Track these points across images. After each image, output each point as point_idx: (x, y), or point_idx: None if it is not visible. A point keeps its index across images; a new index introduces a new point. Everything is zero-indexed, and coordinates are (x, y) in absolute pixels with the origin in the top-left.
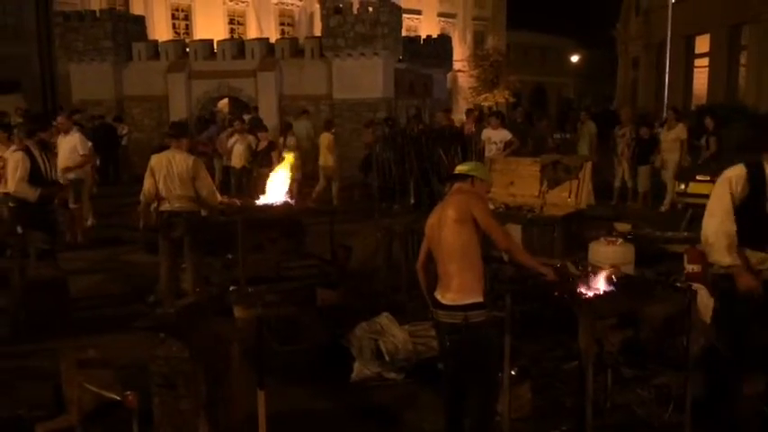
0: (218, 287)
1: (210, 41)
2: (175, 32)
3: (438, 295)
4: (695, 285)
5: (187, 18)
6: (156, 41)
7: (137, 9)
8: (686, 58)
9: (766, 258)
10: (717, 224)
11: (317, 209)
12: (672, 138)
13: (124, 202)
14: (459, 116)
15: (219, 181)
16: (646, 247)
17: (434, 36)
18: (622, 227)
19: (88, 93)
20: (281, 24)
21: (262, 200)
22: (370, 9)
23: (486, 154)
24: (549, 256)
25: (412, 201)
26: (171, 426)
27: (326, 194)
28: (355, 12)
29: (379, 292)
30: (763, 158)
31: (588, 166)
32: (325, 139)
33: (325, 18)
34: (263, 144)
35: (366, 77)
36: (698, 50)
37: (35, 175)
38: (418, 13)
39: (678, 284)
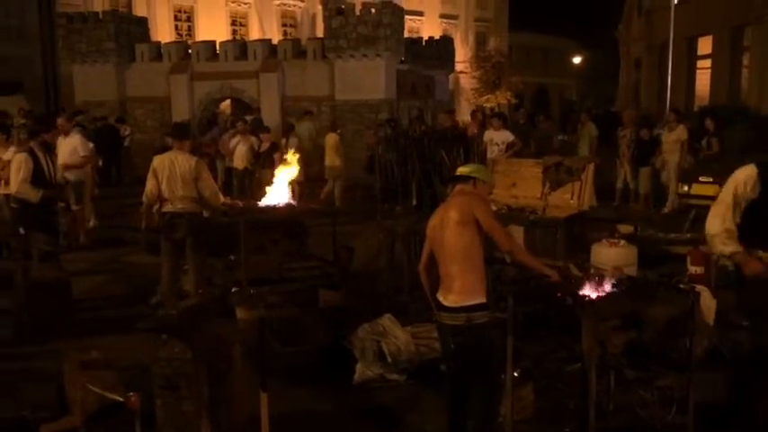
0: (221, 288)
1: (213, 43)
2: (178, 34)
3: (440, 297)
4: (698, 287)
5: (189, 19)
6: (158, 43)
7: (139, 11)
8: (689, 59)
9: None
10: (719, 222)
11: (320, 210)
12: (673, 139)
13: (126, 204)
14: (462, 117)
15: (222, 182)
16: (648, 248)
17: (436, 37)
18: (625, 229)
19: (91, 94)
20: (284, 25)
21: (264, 201)
22: (373, 10)
23: (489, 155)
24: (552, 257)
25: (414, 202)
26: (173, 427)
27: (342, 195)
28: (357, 13)
29: (382, 293)
30: None
31: (591, 167)
32: (331, 139)
33: (327, 19)
34: (265, 145)
35: (368, 79)
36: (700, 52)
37: (38, 177)
38: (420, 14)
39: (681, 286)
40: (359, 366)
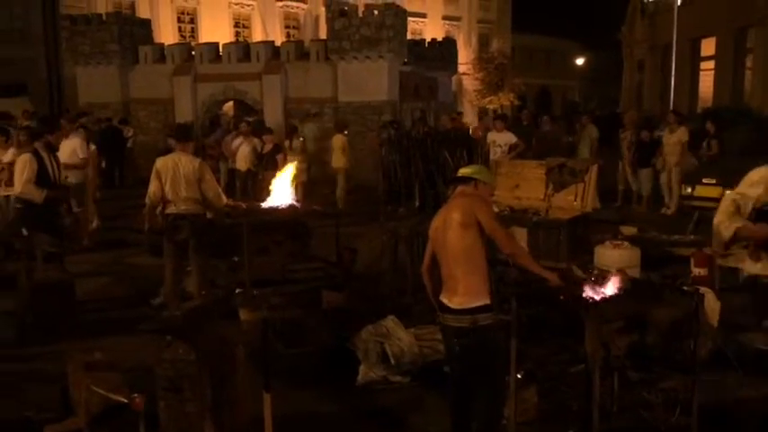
0: (224, 290)
1: (216, 44)
2: (181, 36)
3: (444, 299)
4: (702, 289)
5: (193, 21)
6: (162, 45)
7: (143, 12)
8: (692, 60)
9: None
10: (724, 216)
11: (323, 211)
12: (674, 141)
13: (129, 205)
14: (465, 119)
15: (225, 184)
16: (652, 250)
17: (439, 39)
18: (628, 230)
19: (94, 96)
20: (287, 27)
21: (267, 202)
22: (376, 12)
23: (492, 157)
24: (555, 259)
25: (417, 203)
26: (177, 428)
27: (345, 196)
28: (360, 15)
29: (385, 294)
30: None
31: (594, 169)
32: (338, 140)
33: (330, 21)
34: (268, 147)
35: (371, 80)
36: (704, 53)
37: (42, 177)
38: (423, 16)
39: (685, 288)
40: (362, 368)
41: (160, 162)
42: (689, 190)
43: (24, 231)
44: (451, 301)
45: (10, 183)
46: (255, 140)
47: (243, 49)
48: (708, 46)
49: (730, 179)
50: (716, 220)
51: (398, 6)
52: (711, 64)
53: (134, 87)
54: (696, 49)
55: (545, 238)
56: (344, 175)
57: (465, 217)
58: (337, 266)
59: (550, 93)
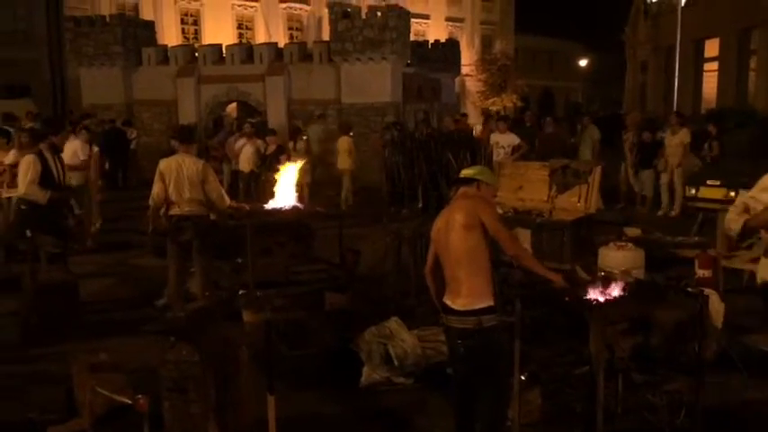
0: (227, 291)
1: (219, 46)
2: (185, 37)
3: (448, 301)
4: (706, 290)
5: (196, 23)
6: (165, 46)
7: (146, 14)
8: (695, 61)
9: None
10: (734, 214)
11: (326, 213)
12: (676, 143)
13: (133, 206)
14: (469, 121)
15: (228, 185)
16: (656, 251)
17: (442, 40)
18: (632, 232)
19: (98, 97)
20: (290, 29)
21: (270, 204)
22: (379, 14)
23: (495, 158)
24: (559, 260)
25: (420, 205)
26: (181, 429)
27: (351, 198)
28: (363, 16)
29: (388, 296)
30: None
31: (598, 170)
32: (345, 142)
33: (333, 23)
34: (271, 148)
35: (374, 82)
36: (707, 54)
37: (46, 179)
38: (426, 17)
39: (689, 289)
40: (365, 369)
41: (164, 164)
42: (693, 191)
43: (28, 232)
44: (455, 302)
45: (11, 184)
46: (259, 142)
47: (246, 50)
48: (711, 47)
49: (735, 180)
50: (726, 219)
51: (401, 8)
52: (715, 65)
53: (137, 89)
54: (700, 50)
55: (549, 240)
56: (350, 176)
57: (468, 218)
58: (340, 268)
59: (553, 94)
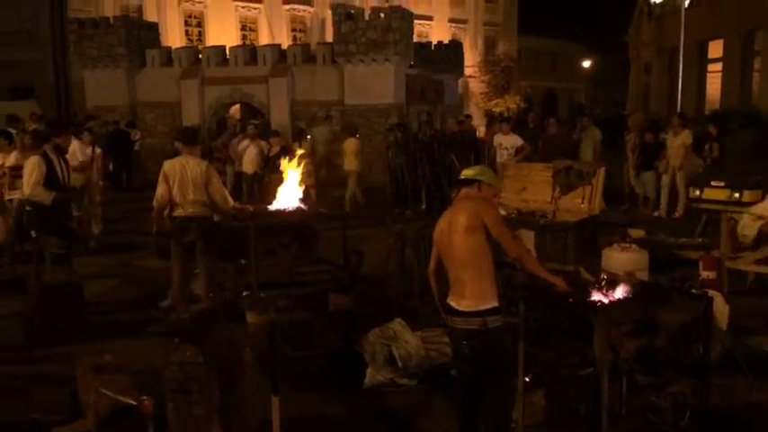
0: (231, 292)
1: (223, 48)
2: (188, 39)
3: (452, 302)
4: (711, 292)
5: (200, 25)
6: (169, 48)
7: (150, 16)
8: (699, 63)
9: None
10: (749, 222)
11: (330, 214)
12: (678, 144)
13: (137, 208)
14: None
15: (231, 186)
16: (660, 253)
17: (445, 42)
18: (636, 233)
19: (102, 99)
20: (293, 30)
21: (274, 205)
22: (382, 15)
23: (498, 159)
24: (563, 262)
25: (423, 206)
26: (185, 431)
27: (357, 198)
28: (367, 18)
29: (392, 297)
30: None
31: (601, 171)
32: (351, 144)
33: (336, 24)
34: (275, 149)
35: (377, 83)
36: (711, 55)
37: (51, 180)
38: (429, 18)
39: (694, 291)
40: (369, 371)
41: (168, 165)
42: (697, 192)
43: (33, 233)
44: (460, 303)
45: (13, 186)
46: (262, 143)
47: (250, 52)
48: (715, 48)
49: (738, 182)
50: (740, 225)
51: (405, 9)
52: (719, 66)
53: (141, 90)
54: (703, 51)
55: (552, 241)
56: (356, 178)
57: (471, 220)
58: (344, 269)
59: (557, 96)
